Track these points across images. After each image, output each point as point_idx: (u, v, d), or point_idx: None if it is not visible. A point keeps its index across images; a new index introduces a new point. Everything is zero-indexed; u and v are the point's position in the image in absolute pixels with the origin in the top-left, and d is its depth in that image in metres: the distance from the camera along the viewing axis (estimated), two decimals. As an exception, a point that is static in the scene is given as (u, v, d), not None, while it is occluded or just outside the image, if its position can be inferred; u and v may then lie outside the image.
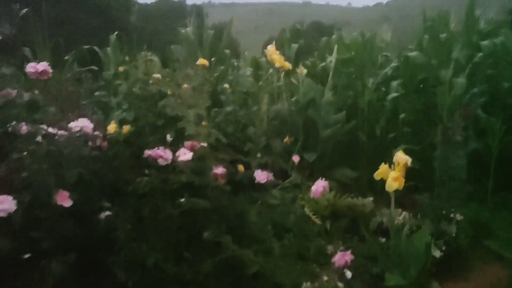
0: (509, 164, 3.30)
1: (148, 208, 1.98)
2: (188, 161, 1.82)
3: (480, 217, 3.04)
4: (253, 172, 2.26)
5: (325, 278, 2.07)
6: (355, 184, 3.68)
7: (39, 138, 1.71)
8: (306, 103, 3.59)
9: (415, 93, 3.91)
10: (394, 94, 3.79)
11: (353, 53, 4.26)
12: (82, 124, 1.71)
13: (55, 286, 1.64)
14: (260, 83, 3.88)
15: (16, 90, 1.66)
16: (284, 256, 1.87)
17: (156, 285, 1.91)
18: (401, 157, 1.92)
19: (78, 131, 1.69)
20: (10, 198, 1.45)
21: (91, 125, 1.75)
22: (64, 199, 1.62)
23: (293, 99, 3.69)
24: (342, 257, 1.91)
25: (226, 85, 2.89)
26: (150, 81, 2.53)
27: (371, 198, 3.19)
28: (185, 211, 1.97)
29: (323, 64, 4.25)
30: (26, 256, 1.67)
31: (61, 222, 1.66)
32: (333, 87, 3.82)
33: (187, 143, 1.92)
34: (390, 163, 2.15)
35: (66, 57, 3.07)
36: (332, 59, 3.85)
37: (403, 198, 3.07)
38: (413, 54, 3.87)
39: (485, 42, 3.51)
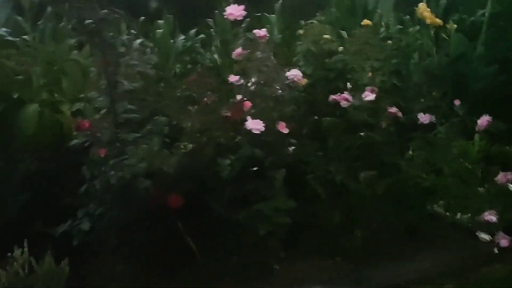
0: None
1: (332, 140, 2.68)
2: (370, 102, 2.46)
3: None
4: (416, 116, 2.82)
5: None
6: (506, 136, 3.96)
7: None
8: (457, 57, 3.94)
9: None
10: (552, 45, 3.91)
11: (505, 6, 4.39)
12: (295, 73, 2.45)
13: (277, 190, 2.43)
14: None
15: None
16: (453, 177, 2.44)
17: (342, 198, 2.62)
18: None
19: (292, 78, 2.43)
20: (261, 121, 2.25)
21: (300, 74, 2.48)
22: (283, 127, 2.39)
23: (442, 54, 4.05)
24: (504, 177, 2.42)
25: (389, 41, 3.42)
26: (321, 42, 3.19)
27: (524, 146, 3.51)
28: (363, 143, 2.63)
29: (472, 18, 4.47)
30: (254, 168, 2.49)
31: (280, 144, 2.43)
32: (484, 41, 4.08)
33: (368, 88, 2.55)
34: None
35: (242, 25, 3.88)
36: (484, 12, 4.09)
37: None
38: None
39: None
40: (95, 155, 2.08)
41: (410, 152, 3.01)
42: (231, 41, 4.04)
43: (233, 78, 2.65)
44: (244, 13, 2.37)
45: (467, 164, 3.11)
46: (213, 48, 4.12)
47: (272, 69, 2.43)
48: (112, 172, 1.94)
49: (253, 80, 2.44)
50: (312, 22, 3.53)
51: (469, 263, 2.54)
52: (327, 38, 3.15)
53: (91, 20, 1.87)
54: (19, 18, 3.76)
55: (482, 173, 3.34)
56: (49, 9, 3.96)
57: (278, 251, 2.45)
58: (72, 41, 3.69)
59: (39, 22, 3.90)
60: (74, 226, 2.21)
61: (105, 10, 1.90)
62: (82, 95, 2.76)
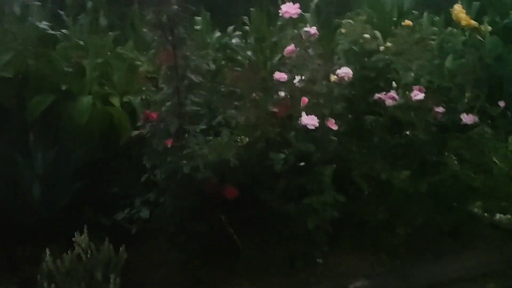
0: None
1: (377, 138, 2.75)
2: (419, 101, 2.53)
3: None
4: (458, 116, 2.88)
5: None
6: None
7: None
8: (492, 59, 3.99)
9: None
10: None
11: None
12: (346, 71, 2.53)
13: (320, 187, 2.51)
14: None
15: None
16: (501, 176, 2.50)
17: (385, 195, 2.69)
18: None
19: (343, 76, 2.52)
20: (315, 117, 2.34)
21: (351, 72, 2.56)
22: (332, 124, 2.47)
23: (477, 56, 4.10)
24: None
25: (431, 42, 3.48)
26: (361, 41, 3.26)
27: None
28: (408, 141, 2.70)
29: (506, 21, 4.51)
30: (301, 164, 2.57)
31: (327, 141, 2.51)
32: (520, 43, 4.12)
33: (416, 87, 2.62)
34: None
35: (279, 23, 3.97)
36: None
37: None
38: None
39: None
40: (160, 146, 2.17)
41: (446, 153, 3.08)
42: (266, 38, 4.14)
43: (278, 75, 2.73)
44: (299, 11, 2.46)
45: (498, 164, 3.18)
46: (247, 45, 4.22)
47: (321, 67, 2.51)
48: (185, 161, 2.03)
49: (302, 77, 2.52)
50: (348, 21, 3.60)
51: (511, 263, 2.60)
52: (367, 38, 3.23)
53: (164, 16, 1.97)
54: (61, 12, 3.88)
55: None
56: (89, 4, 4.09)
57: (323, 245, 2.54)
58: (112, 35, 3.80)
59: (78, 17, 4.02)
60: (132, 214, 2.31)
61: (177, 7, 2.00)
62: (130, 88, 2.86)
